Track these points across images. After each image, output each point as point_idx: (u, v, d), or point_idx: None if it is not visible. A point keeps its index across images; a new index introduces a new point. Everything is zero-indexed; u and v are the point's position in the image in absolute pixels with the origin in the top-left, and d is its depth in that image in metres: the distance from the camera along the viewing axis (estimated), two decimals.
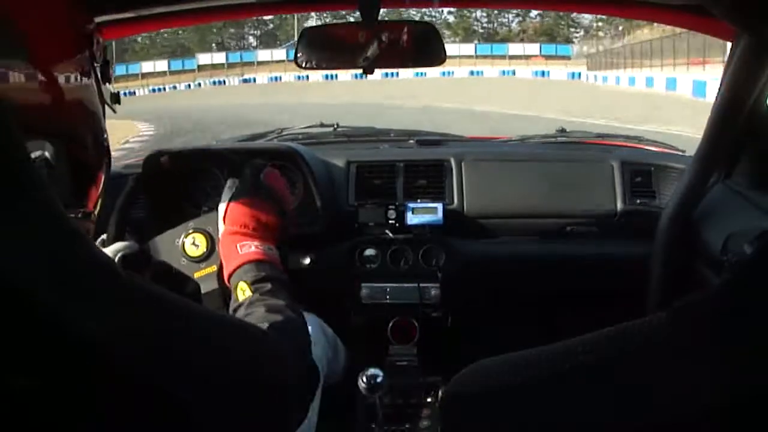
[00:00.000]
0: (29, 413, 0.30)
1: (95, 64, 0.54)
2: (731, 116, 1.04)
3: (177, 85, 34.49)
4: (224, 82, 36.03)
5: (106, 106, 0.60)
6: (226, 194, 0.84)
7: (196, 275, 1.00)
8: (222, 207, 0.84)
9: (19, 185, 0.30)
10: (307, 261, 1.37)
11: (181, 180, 1.23)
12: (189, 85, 34.52)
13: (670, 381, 0.32)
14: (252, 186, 0.83)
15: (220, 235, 0.82)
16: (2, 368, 0.29)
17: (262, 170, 0.86)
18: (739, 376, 0.30)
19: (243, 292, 0.70)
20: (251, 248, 0.76)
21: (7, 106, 0.29)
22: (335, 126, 1.77)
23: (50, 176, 0.46)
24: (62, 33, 0.49)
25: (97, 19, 0.65)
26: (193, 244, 1.04)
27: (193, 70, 39.12)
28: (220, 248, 0.81)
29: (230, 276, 0.74)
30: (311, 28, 1.08)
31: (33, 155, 0.45)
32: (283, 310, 0.65)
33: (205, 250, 1.04)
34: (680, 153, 1.56)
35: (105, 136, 0.58)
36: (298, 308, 0.69)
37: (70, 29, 0.50)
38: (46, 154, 0.46)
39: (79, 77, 0.51)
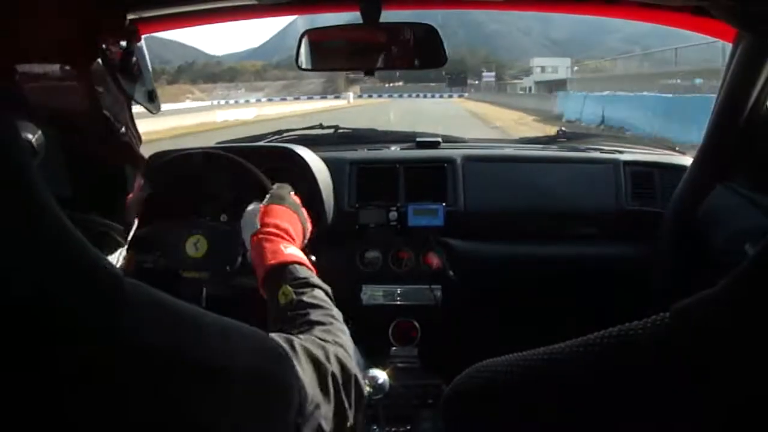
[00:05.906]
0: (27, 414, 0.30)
1: (113, 59, 0.53)
2: (732, 117, 1.04)
3: None
4: None
5: (139, 106, 0.58)
6: (265, 200, 0.87)
7: (184, 274, 1.05)
8: (255, 208, 0.87)
9: (19, 190, 0.29)
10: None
11: (183, 181, 1.23)
12: None
13: (672, 382, 0.32)
14: (287, 196, 0.87)
15: (249, 235, 0.83)
16: (2, 372, 0.29)
17: (290, 190, 0.91)
18: (741, 378, 0.30)
19: (286, 295, 0.69)
20: (295, 251, 0.76)
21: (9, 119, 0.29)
22: (336, 128, 1.77)
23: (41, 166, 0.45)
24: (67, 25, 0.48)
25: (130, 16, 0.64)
26: (195, 245, 1.06)
27: None
28: (253, 245, 0.80)
29: (270, 270, 0.73)
30: (313, 29, 1.07)
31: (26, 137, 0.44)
32: (332, 321, 0.66)
33: (204, 252, 1.06)
34: (681, 154, 1.56)
35: (128, 135, 0.55)
36: (339, 316, 0.69)
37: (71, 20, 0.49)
38: (33, 139, 0.45)
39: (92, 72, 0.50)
